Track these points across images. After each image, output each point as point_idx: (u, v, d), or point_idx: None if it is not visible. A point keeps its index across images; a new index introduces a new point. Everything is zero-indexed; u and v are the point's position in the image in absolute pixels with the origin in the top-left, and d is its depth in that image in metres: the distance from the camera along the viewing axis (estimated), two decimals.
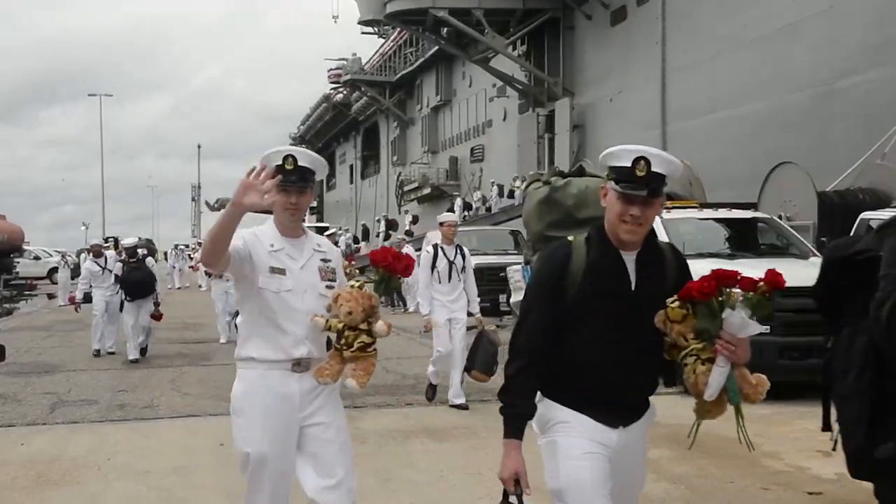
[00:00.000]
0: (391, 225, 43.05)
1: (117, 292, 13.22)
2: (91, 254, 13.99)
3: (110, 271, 13.40)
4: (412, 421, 8.05)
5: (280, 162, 3.40)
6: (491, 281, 18.48)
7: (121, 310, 13.06)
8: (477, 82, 40.71)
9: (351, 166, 68.25)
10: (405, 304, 21.91)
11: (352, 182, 67.63)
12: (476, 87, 41.26)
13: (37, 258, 39.57)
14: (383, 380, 10.50)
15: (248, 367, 3.50)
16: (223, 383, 10.35)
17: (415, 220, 42.79)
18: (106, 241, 43.64)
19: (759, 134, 21.01)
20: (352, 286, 3.39)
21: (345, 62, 57.60)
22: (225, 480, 6.17)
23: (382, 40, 54.90)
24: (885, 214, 11.34)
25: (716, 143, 22.56)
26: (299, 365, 3.46)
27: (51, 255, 39.53)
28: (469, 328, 8.86)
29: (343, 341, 3.33)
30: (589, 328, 2.85)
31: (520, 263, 14.40)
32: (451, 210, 36.81)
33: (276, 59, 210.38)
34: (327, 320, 3.36)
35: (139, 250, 13.56)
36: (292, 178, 3.42)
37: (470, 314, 8.95)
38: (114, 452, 7.03)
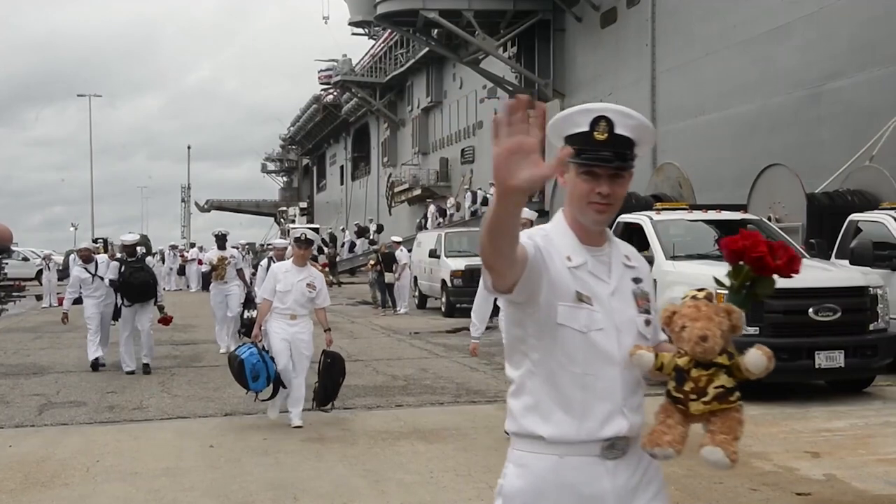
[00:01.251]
0: (362, 232, 42.97)
1: (115, 300, 11.76)
2: (80, 258, 12.36)
3: (101, 278, 11.81)
4: (402, 422, 8.05)
5: (586, 128, 2.22)
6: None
7: (116, 318, 11.89)
8: (467, 84, 40.76)
9: (341, 167, 68.26)
10: (395, 305, 21.91)
11: (342, 183, 67.62)
12: (466, 88, 41.30)
13: (25, 259, 39.38)
14: (373, 381, 10.51)
15: (531, 449, 2.21)
16: (213, 385, 10.34)
17: (379, 230, 42.78)
18: (95, 241, 43.47)
19: (748, 135, 21.11)
20: (694, 297, 2.23)
21: (335, 63, 57.60)
22: (214, 482, 6.17)
23: (373, 41, 54.91)
24: (873, 216, 11.43)
25: (705, 144, 22.64)
26: (614, 448, 2.19)
27: (39, 257, 39.34)
28: None
29: (689, 387, 2.16)
30: None
31: None
32: (424, 221, 36.90)
33: (268, 60, 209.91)
34: (657, 354, 2.20)
35: (139, 248, 12.30)
36: (604, 153, 2.19)
37: None
38: (102, 454, 7.00)
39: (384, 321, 19.10)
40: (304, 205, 76.26)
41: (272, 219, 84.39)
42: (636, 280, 2.30)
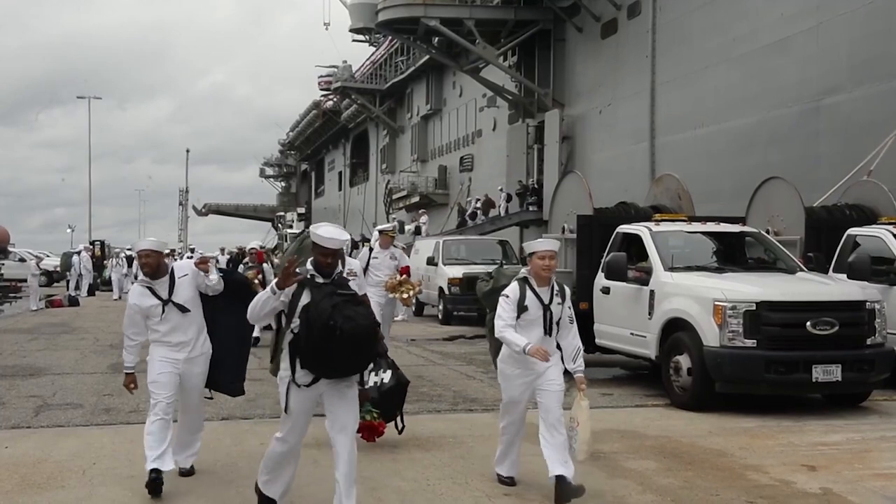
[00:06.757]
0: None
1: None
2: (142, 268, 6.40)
3: (184, 309, 6.38)
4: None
5: None
6: None
7: None
8: (467, 92, 40.80)
9: (340, 173, 68.31)
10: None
11: (340, 189, 67.67)
12: (466, 96, 41.34)
13: (22, 260, 39.26)
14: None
15: None
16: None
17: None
18: (92, 244, 43.27)
19: (746, 148, 21.17)
20: None
21: (335, 69, 57.66)
22: (211, 486, 6.17)
23: (373, 48, 55.00)
24: (871, 231, 11.46)
25: (704, 156, 22.69)
26: None
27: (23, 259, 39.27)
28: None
29: None
30: None
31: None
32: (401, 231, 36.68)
33: (275, 66, 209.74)
34: None
35: (350, 265, 6.90)
36: None
37: None
38: (99, 457, 7.00)
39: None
40: (301, 210, 76.22)
41: (269, 224, 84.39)
42: None
